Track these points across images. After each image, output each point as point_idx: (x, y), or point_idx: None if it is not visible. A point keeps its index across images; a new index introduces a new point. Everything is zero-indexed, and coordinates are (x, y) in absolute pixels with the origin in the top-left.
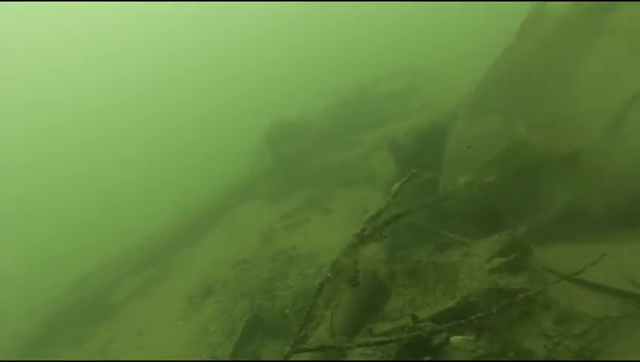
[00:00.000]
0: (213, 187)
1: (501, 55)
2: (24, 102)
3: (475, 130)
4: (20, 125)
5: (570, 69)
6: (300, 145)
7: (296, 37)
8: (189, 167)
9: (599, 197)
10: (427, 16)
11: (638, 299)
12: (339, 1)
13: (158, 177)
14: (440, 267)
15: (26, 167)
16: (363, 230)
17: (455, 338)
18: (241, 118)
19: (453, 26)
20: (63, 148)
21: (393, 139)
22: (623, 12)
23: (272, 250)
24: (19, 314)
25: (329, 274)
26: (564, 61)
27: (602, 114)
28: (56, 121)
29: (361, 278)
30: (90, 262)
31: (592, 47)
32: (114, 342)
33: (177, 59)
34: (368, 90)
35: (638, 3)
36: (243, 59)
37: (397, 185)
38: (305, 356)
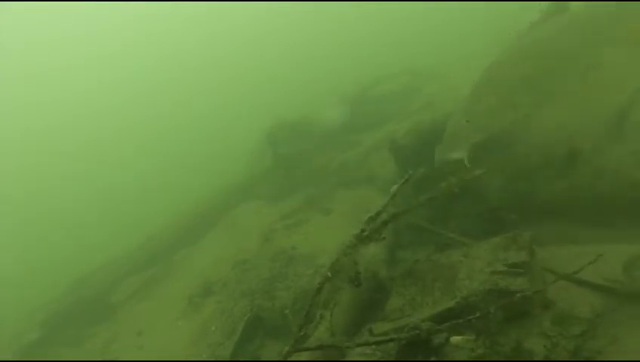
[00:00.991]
0: (213, 187)
1: (514, 41)
2: (24, 102)
3: (475, 108)
4: (20, 125)
5: (587, 60)
6: (300, 145)
7: (297, 37)
8: (189, 167)
9: (599, 197)
10: (427, 16)
11: (638, 299)
12: (339, 1)
13: (158, 177)
14: (440, 267)
15: (26, 167)
16: (362, 231)
17: (455, 338)
18: (241, 118)
19: (453, 26)
20: (63, 148)
21: (393, 139)
22: None
23: (272, 250)
24: (19, 314)
25: (329, 274)
26: (581, 52)
27: (602, 113)
28: (56, 121)
29: (362, 278)
30: (90, 262)
31: (612, 41)
32: (114, 342)
33: (177, 59)
34: (368, 90)
35: None
36: (243, 59)
37: (395, 186)
38: (305, 355)
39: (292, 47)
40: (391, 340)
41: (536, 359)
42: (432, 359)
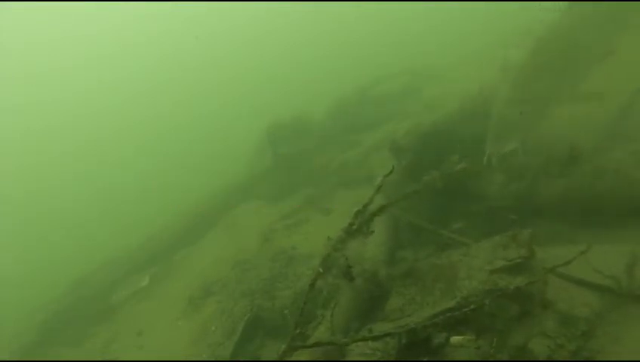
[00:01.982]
0: (213, 187)
1: (554, 25)
2: (24, 102)
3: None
4: (20, 125)
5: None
6: (300, 145)
7: (296, 37)
8: (189, 167)
9: (599, 198)
10: (427, 17)
11: (638, 299)
12: (339, 1)
13: (158, 177)
14: (440, 267)
15: (26, 167)
16: (351, 224)
17: (455, 338)
18: (241, 118)
19: (453, 26)
20: (62, 148)
21: (393, 139)
22: None
23: (272, 250)
24: (19, 314)
25: (320, 269)
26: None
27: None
28: (56, 121)
29: (362, 278)
30: (90, 262)
31: None
32: (114, 342)
33: (177, 59)
34: (368, 90)
35: None
36: (243, 59)
37: (379, 178)
38: (304, 355)
39: (292, 47)
40: (387, 335)
41: (537, 359)
42: (433, 359)
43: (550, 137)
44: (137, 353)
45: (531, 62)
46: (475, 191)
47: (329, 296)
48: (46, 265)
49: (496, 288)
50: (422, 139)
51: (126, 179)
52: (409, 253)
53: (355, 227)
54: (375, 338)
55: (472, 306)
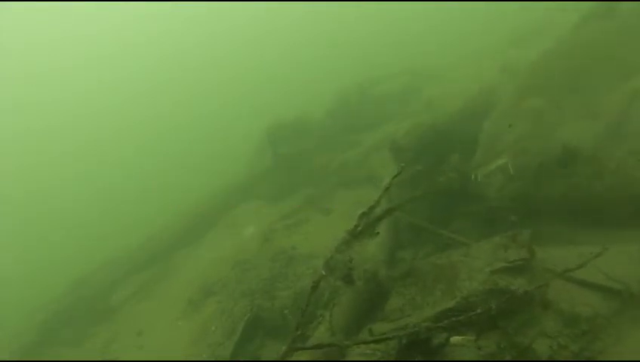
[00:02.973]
0: (213, 187)
1: (557, 42)
2: (24, 102)
3: (516, 113)
4: (20, 125)
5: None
6: (300, 145)
7: (296, 37)
8: (189, 167)
9: (599, 198)
10: (427, 17)
11: (638, 300)
12: (339, 0)
13: (158, 177)
14: (440, 267)
15: (26, 168)
16: (356, 226)
17: (455, 339)
18: (241, 118)
19: (453, 26)
20: (63, 149)
21: (394, 139)
22: None
23: (272, 250)
24: (19, 314)
25: (323, 272)
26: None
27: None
28: (56, 121)
29: (362, 278)
30: (90, 262)
31: None
32: (114, 342)
33: (177, 59)
34: (368, 90)
35: None
36: (243, 60)
37: (387, 180)
38: (305, 355)
39: (292, 47)
40: (389, 338)
41: (537, 359)
42: (433, 359)
43: (550, 137)
44: (137, 353)
45: (534, 74)
46: (475, 192)
47: (330, 296)
48: (46, 265)
49: (504, 290)
50: (422, 139)
51: (126, 179)
52: (409, 253)
53: (359, 229)
54: (377, 341)
55: (478, 310)
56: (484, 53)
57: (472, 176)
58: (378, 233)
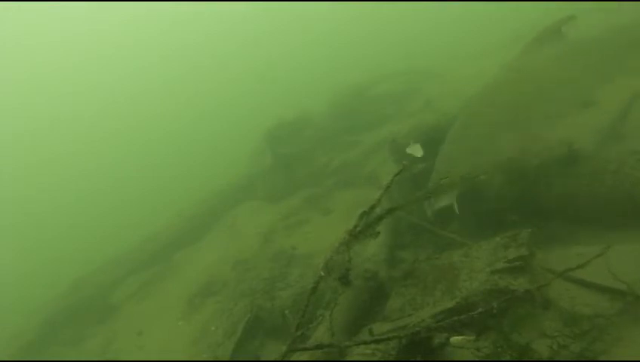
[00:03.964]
0: (213, 187)
1: (508, 64)
2: (24, 102)
3: (471, 132)
4: (20, 126)
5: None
6: (300, 145)
7: (297, 37)
8: (189, 167)
9: (599, 198)
10: (427, 17)
11: (639, 300)
12: (340, 0)
13: (159, 177)
14: (440, 267)
15: (27, 168)
16: (355, 226)
17: (455, 339)
18: (242, 118)
19: (453, 26)
20: (63, 149)
21: (394, 139)
22: None
23: (272, 250)
24: (19, 314)
25: (322, 273)
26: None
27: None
28: (57, 121)
29: (362, 278)
30: (90, 262)
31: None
32: (114, 342)
33: (177, 59)
34: (368, 90)
35: None
36: (243, 60)
37: (388, 178)
38: (305, 355)
39: (292, 47)
40: (389, 339)
41: (538, 359)
42: (433, 360)
43: (550, 138)
44: (137, 353)
45: (479, 105)
46: (475, 192)
47: (331, 297)
48: (46, 264)
49: (504, 290)
50: (422, 139)
51: (126, 179)
52: (409, 254)
53: (359, 229)
54: (377, 342)
55: (480, 309)
56: (484, 53)
57: (425, 207)
58: (379, 233)
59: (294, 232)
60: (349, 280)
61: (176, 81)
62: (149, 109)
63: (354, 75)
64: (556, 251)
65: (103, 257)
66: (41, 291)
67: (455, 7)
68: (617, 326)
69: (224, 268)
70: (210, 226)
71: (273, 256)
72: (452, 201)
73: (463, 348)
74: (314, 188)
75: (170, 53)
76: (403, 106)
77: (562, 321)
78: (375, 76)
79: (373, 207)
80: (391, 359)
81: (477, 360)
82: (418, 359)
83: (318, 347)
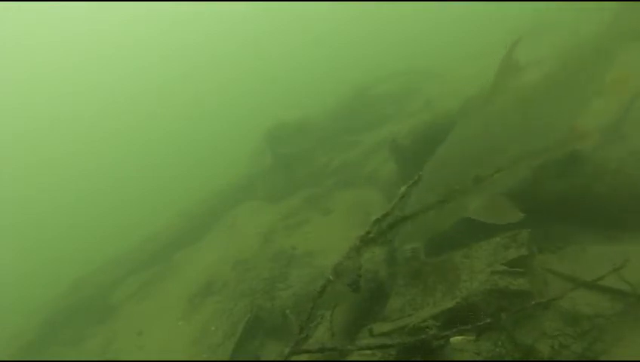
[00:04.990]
0: (213, 187)
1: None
2: (24, 102)
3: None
4: (20, 126)
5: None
6: (300, 145)
7: (297, 37)
8: (189, 167)
9: (599, 198)
10: (427, 17)
11: (639, 300)
12: (339, 0)
13: (159, 177)
14: (440, 267)
15: (26, 168)
16: (368, 233)
17: (455, 339)
18: (241, 118)
19: (453, 26)
20: (63, 148)
21: (394, 139)
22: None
23: (272, 250)
24: (19, 314)
25: (330, 277)
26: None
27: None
28: (57, 121)
29: (362, 278)
30: (90, 262)
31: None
32: (114, 342)
33: (177, 59)
34: (368, 90)
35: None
36: (243, 60)
37: (404, 187)
38: (304, 356)
39: (292, 47)
40: (393, 346)
41: (539, 359)
42: (433, 359)
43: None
44: (137, 353)
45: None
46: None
47: (331, 296)
48: (46, 264)
49: (504, 290)
50: (422, 139)
51: (126, 179)
52: (409, 253)
53: (371, 235)
54: (381, 348)
55: (487, 320)
56: (484, 53)
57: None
58: (391, 240)
59: (294, 232)
60: (360, 286)
61: (176, 81)
62: (149, 109)
63: (354, 74)
64: (556, 251)
65: (103, 257)
66: (41, 291)
67: (455, 7)
68: (618, 327)
69: (224, 268)
70: (210, 226)
71: (273, 256)
72: (419, 245)
73: (463, 349)
74: (314, 188)
75: (170, 53)
76: (403, 106)
77: (563, 321)
78: (375, 76)
79: (386, 215)
80: (391, 359)
81: (477, 360)
82: (418, 359)
83: (321, 350)
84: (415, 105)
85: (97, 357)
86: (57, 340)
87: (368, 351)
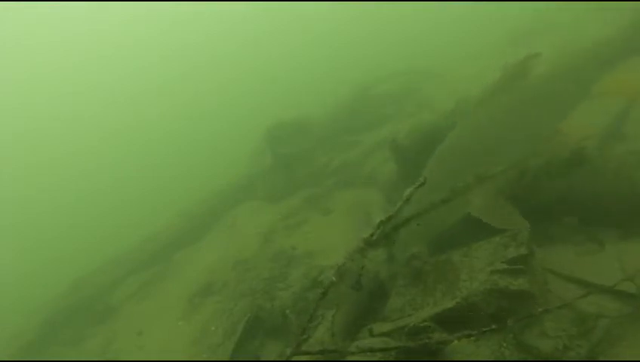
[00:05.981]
0: (213, 187)
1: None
2: (24, 102)
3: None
4: (20, 126)
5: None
6: (300, 145)
7: (296, 37)
8: (189, 167)
9: (599, 198)
10: (427, 16)
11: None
12: (338, 0)
13: (158, 177)
14: (440, 267)
15: (26, 168)
16: (372, 235)
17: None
18: (242, 118)
19: (453, 26)
20: (63, 148)
21: (394, 138)
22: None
23: (272, 250)
24: (19, 314)
25: (333, 278)
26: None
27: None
28: (57, 121)
29: (363, 283)
30: (90, 262)
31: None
32: (114, 342)
33: (177, 59)
34: (368, 90)
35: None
36: (243, 60)
37: (409, 190)
38: (305, 357)
39: (292, 47)
40: (396, 348)
41: (539, 359)
42: (433, 359)
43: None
44: (137, 353)
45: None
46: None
47: (331, 296)
48: (46, 264)
49: (504, 290)
50: (422, 139)
51: (126, 179)
52: (409, 254)
53: (375, 238)
54: (384, 351)
55: (493, 326)
56: (484, 53)
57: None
58: (395, 242)
59: (294, 232)
60: (362, 286)
61: (176, 81)
62: (149, 109)
63: (354, 75)
64: (556, 251)
65: (103, 257)
66: (41, 291)
67: (455, 7)
68: (618, 327)
69: (224, 268)
70: (210, 226)
71: (273, 256)
72: (419, 249)
73: (464, 349)
74: (314, 188)
75: (170, 53)
76: (403, 106)
77: (565, 321)
78: (375, 76)
79: (391, 217)
80: (391, 359)
81: (477, 360)
82: (418, 359)
83: (322, 352)
84: (415, 105)
85: (97, 357)
86: (57, 340)
87: (368, 351)
